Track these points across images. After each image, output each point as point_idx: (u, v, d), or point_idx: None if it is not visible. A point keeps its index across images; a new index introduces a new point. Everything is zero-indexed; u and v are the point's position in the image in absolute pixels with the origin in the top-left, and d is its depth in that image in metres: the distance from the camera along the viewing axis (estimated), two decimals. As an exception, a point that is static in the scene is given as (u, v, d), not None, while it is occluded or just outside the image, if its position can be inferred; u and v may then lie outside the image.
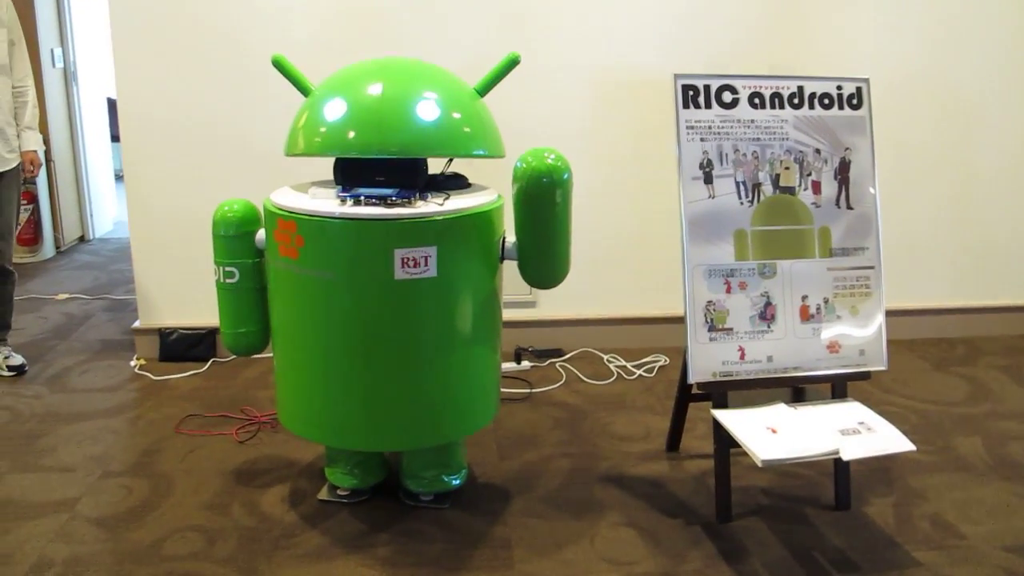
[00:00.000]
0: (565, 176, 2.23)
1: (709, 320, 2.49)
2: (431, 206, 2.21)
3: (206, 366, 3.62)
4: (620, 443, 2.98)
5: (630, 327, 3.86)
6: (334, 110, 2.27)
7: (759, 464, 2.19)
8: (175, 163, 3.56)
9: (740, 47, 3.62)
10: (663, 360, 3.69)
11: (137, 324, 3.74)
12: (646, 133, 3.67)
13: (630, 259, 3.82)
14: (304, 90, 2.45)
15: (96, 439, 2.98)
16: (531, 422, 3.14)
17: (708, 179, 2.49)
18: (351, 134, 2.22)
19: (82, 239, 5.97)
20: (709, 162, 2.49)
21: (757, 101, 2.53)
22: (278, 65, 2.46)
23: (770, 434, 2.32)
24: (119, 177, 6.05)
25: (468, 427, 2.44)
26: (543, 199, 2.24)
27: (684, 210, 2.48)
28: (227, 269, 2.47)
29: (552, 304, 3.82)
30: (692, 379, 2.49)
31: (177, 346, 3.68)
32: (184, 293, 3.68)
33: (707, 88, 2.50)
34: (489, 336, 2.41)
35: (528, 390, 3.41)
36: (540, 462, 2.84)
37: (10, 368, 3.54)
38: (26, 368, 3.57)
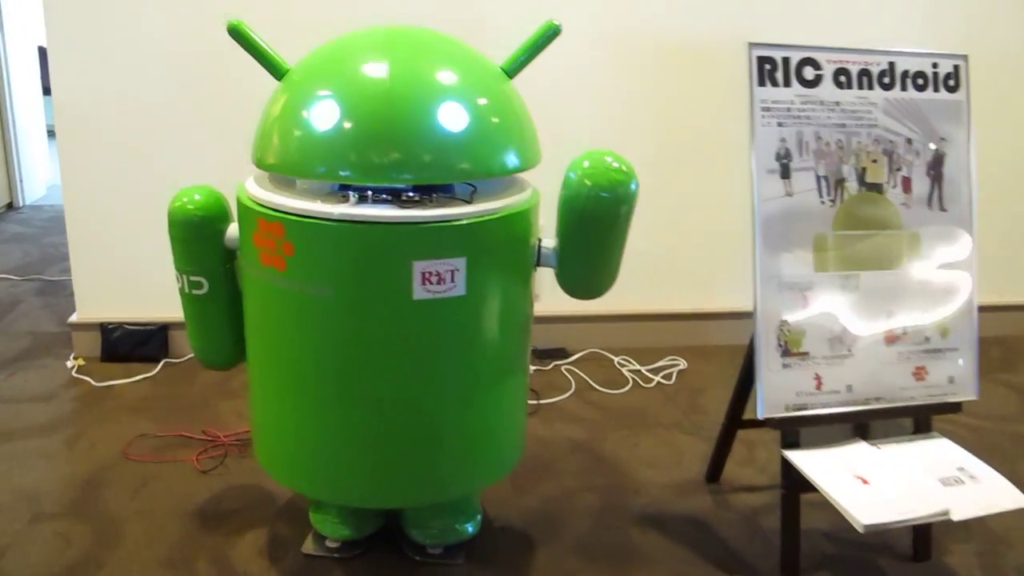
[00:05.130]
0: (632, 188, 1.78)
1: (782, 343, 2.07)
2: (456, 205, 1.74)
3: (157, 368, 3.11)
4: (651, 471, 2.57)
5: (640, 324, 3.44)
6: (323, 115, 1.69)
7: (860, 530, 1.79)
8: (117, 123, 3.01)
9: (799, 9, 3.18)
10: (681, 364, 3.28)
11: (74, 318, 3.20)
12: (669, 107, 3.22)
13: (642, 250, 3.38)
14: (274, 68, 1.86)
15: (26, 466, 2.47)
16: (545, 443, 2.71)
17: (785, 172, 2.06)
18: (349, 156, 1.67)
19: (10, 206, 5.35)
20: (787, 152, 2.06)
21: (843, 79, 2.09)
22: (236, 34, 1.82)
23: (860, 485, 1.92)
24: (52, 134, 5.42)
25: (493, 475, 1.99)
26: (602, 217, 1.79)
27: (758, 210, 2.04)
28: (193, 279, 1.98)
29: (554, 298, 3.36)
30: (763, 414, 2.07)
31: (122, 344, 3.16)
32: (129, 281, 3.16)
33: (786, 61, 2.06)
34: (521, 365, 1.96)
35: (536, 401, 2.98)
36: (563, 497, 2.41)
37: None
38: None
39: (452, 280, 1.70)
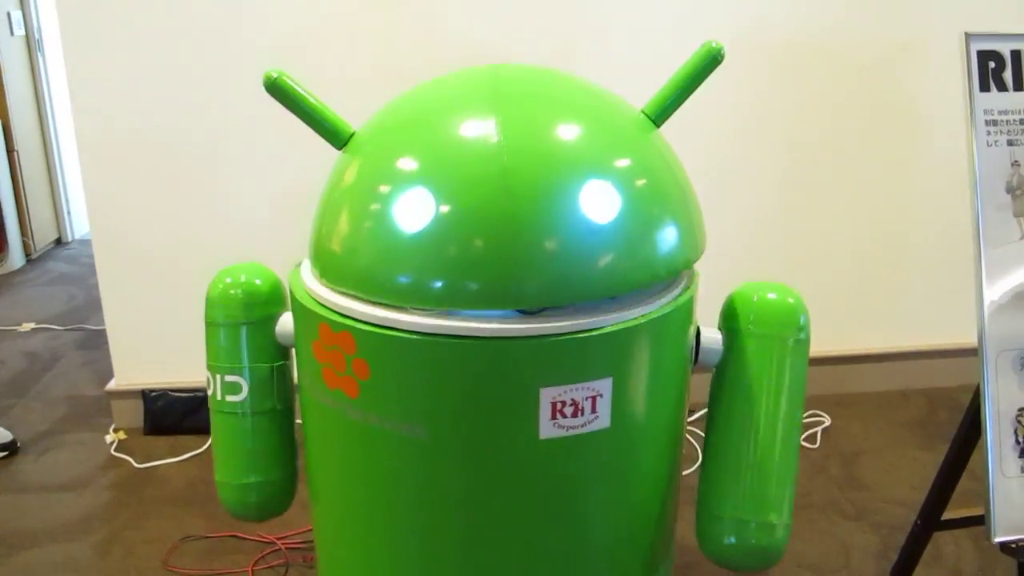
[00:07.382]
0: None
1: (1021, 440, 1.53)
2: (596, 308, 1.23)
3: (207, 442, 2.68)
4: (816, 578, 2.05)
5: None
6: (403, 206, 1.16)
7: None
8: (154, 156, 2.57)
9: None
10: (825, 420, 2.74)
11: (112, 385, 2.78)
12: (792, 112, 2.67)
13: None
14: (332, 134, 1.31)
15: (51, 590, 2.05)
16: (680, 534, 2.19)
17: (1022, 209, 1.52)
18: (443, 267, 1.15)
19: (59, 241, 4.99)
20: (1021, 180, 1.51)
21: (1097, 78, 1.54)
22: (277, 91, 1.27)
23: None
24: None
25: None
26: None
27: (983, 261, 1.50)
28: (228, 379, 1.48)
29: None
30: (997, 536, 1.54)
31: (167, 414, 2.73)
32: (172, 341, 2.72)
33: (1018, 57, 1.51)
34: (676, 497, 1.46)
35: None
36: (711, 623, 1.91)
37: None
38: (18, 445, 2.66)
39: (593, 410, 1.20)
